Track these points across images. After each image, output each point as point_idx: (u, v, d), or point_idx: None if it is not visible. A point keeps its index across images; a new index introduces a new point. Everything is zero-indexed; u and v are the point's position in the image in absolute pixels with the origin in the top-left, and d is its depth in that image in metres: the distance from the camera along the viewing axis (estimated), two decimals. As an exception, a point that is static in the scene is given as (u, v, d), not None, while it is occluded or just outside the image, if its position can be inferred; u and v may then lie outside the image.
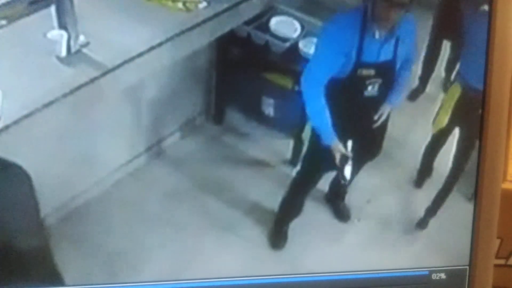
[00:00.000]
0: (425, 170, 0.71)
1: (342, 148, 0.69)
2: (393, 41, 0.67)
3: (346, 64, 0.67)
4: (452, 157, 0.72)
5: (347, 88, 0.68)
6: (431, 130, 0.71)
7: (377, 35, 0.67)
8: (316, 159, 0.69)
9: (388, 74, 0.68)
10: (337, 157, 0.69)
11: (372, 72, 0.68)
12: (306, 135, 0.68)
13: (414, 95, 0.70)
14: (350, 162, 0.69)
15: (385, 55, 0.68)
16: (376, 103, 0.69)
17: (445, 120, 0.71)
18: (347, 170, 0.70)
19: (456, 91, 0.70)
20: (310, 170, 0.69)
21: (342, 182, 0.70)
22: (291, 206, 0.70)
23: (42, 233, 0.64)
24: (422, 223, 0.72)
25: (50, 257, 0.64)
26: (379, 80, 0.68)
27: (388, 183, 0.72)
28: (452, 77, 0.70)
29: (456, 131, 0.72)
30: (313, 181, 0.71)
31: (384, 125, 0.69)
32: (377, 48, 0.67)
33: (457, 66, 0.70)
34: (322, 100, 0.67)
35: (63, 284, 0.66)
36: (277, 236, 0.70)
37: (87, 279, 0.67)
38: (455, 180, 0.71)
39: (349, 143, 0.69)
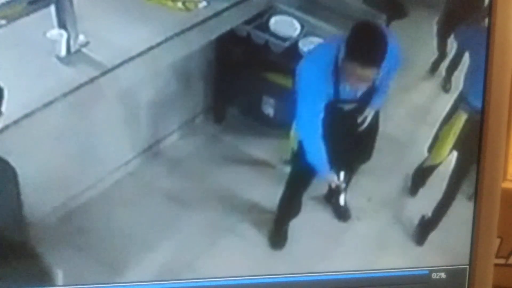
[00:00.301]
0: (417, 185, 0.72)
1: (336, 179, 0.69)
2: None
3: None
4: (448, 178, 0.72)
5: (329, 112, 0.67)
6: (427, 159, 0.71)
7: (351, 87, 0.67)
8: (305, 165, 0.69)
9: (368, 96, 0.68)
10: (332, 185, 0.69)
11: (351, 105, 0.68)
12: (294, 136, 0.68)
13: None
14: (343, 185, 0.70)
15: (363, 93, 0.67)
16: (358, 110, 0.69)
17: (446, 151, 0.71)
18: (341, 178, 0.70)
19: (460, 119, 0.70)
20: (300, 172, 0.69)
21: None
22: (289, 205, 0.69)
23: (25, 229, 0.63)
24: (422, 228, 0.72)
25: (37, 255, 0.64)
26: (359, 103, 0.68)
27: (387, 184, 0.72)
28: (453, 105, 0.69)
29: (454, 155, 0.71)
30: (305, 181, 0.70)
31: (372, 129, 0.69)
32: (355, 92, 0.67)
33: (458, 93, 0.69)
34: (319, 139, 0.66)
35: (58, 284, 0.66)
36: (277, 236, 0.70)
37: (85, 279, 0.67)
38: (453, 195, 0.72)
39: (341, 174, 0.70)
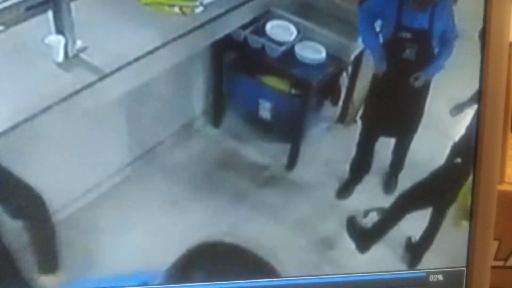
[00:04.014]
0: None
1: None
2: (428, 12, 0.67)
3: (387, 25, 0.66)
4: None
5: (388, 49, 0.68)
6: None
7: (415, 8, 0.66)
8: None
9: (424, 41, 0.67)
10: None
11: (409, 35, 0.67)
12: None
13: None
14: None
15: (421, 23, 0.67)
16: (413, 67, 0.68)
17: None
18: None
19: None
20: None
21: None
22: (360, 165, 0.70)
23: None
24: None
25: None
26: (416, 46, 0.67)
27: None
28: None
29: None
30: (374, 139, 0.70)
31: (422, 92, 0.68)
32: (414, 15, 0.66)
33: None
34: (373, 31, 0.67)
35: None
36: (346, 192, 0.70)
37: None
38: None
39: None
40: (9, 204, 0.63)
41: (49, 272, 0.66)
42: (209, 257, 0.68)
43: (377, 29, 0.67)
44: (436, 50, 0.68)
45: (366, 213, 0.71)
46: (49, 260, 0.66)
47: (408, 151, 0.70)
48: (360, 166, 0.70)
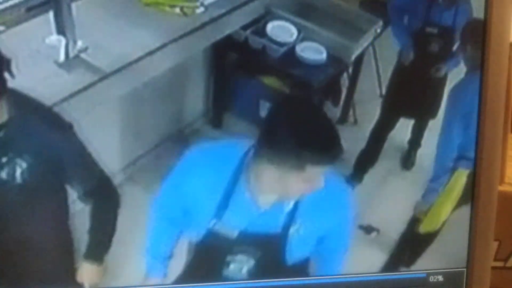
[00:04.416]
0: None
1: None
2: (453, 10, 0.67)
3: (415, 20, 0.68)
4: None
5: (415, 42, 0.68)
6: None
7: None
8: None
9: (448, 37, 0.68)
10: None
11: (435, 30, 0.68)
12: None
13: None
14: None
15: (446, 20, 0.68)
16: (435, 60, 0.69)
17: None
18: None
19: (459, 178, 0.71)
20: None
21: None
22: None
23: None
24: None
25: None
26: (441, 41, 0.68)
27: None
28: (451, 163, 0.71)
29: None
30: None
31: (440, 83, 0.69)
32: (441, 11, 0.68)
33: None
34: (403, 25, 0.68)
35: None
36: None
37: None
38: None
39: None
40: (85, 185, 0.64)
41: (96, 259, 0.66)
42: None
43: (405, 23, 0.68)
44: (456, 45, 0.69)
45: None
46: (103, 248, 0.66)
47: (425, 131, 0.71)
48: (369, 157, 0.71)
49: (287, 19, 0.66)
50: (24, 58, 0.61)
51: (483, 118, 0.68)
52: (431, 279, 0.72)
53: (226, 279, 0.66)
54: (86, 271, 0.66)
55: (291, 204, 0.67)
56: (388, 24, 0.67)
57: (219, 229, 0.65)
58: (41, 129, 0.58)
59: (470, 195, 0.70)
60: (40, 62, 0.62)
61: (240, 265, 0.66)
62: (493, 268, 0.73)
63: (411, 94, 0.70)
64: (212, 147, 0.66)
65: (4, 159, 0.57)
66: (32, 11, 0.61)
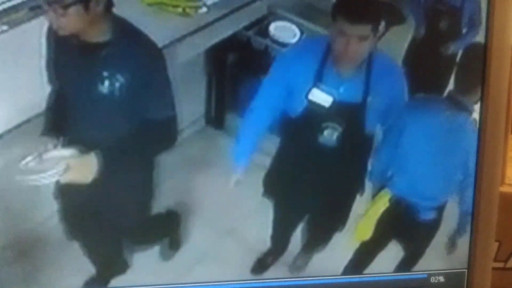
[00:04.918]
0: None
1: None
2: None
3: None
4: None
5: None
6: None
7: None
8: None
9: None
10: None
11: (444, 8, 0.68)
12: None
13: None
14: None
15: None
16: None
17: (369, 231, 0.71)
18: None
19: (383, 200, 0.71)
20: None
21: None
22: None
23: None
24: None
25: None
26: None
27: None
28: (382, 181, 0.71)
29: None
30: None
31: (451, 58, 0.70)
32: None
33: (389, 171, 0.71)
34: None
35: None
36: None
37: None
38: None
39: None
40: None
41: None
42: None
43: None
44: (465, 29, 0.68)
45: None
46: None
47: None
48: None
49: (290, 20, 0.66)
50: (27, 57, 0.61)
51: (485, 119, 0.68)
52: (432, 279, 0.72)
53: (321, 145, 0.68)
54: None
55: (363, 72, 0.67)
56: (390, 25, 0.67)
57: (316, 100, 0.66)
58: (136, 52, 0.63)
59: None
60: (42, 62, 0.62)
61: (332, 131, 0.67)
62: (493, 269, 0.73)
63: (424, 69, 0.70)
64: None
65: (105, 73, 0.62)
66: (35, 10, 0.60)
